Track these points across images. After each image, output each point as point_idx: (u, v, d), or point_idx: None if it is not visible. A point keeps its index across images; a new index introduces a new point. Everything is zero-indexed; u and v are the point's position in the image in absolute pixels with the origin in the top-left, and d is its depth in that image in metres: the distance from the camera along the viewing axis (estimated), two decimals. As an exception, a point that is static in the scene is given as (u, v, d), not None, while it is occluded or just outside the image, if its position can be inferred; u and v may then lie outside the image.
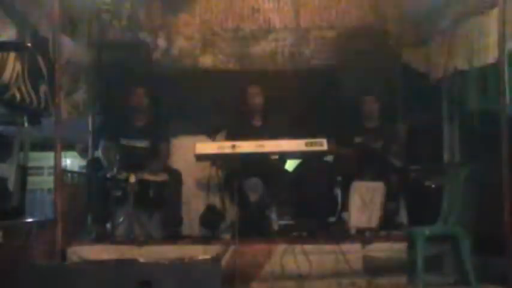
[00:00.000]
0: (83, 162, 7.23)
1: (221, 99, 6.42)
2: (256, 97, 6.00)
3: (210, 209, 5.73)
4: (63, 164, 5.06)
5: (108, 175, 5.33)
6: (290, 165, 6.09)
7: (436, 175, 5.72)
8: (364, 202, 5.70)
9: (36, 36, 4.96)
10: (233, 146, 4.92)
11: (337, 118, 6.36)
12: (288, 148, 5.13)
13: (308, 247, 4.96)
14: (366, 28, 6.51)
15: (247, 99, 6.00)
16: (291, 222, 6.04)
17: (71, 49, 5.66)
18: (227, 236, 5.26)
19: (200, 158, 5.19)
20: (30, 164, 5.85)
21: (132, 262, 4.54)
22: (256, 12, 6.60)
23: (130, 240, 5.23)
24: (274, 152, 5.31)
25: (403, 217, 5.79)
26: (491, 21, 4.83)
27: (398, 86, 6.54)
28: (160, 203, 5.55)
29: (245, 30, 6.65)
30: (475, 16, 5.13)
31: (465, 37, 5.25)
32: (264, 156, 5.30)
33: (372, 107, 6.10)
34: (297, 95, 6.47)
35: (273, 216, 5.81)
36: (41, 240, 4.84)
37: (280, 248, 4.95)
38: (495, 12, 4.71)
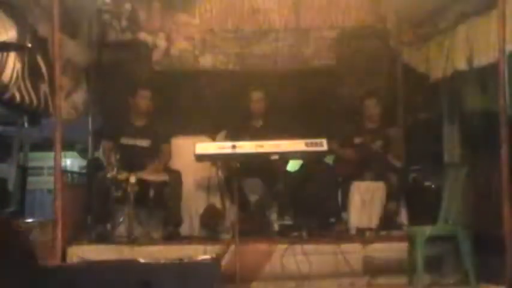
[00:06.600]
0: (83, 162, 7.24)
1: (221, 99, 6.42)
2: (259, 102, 6.00)
3: (210, 209, 5.74)
4: (63, 164, 5.06)
5: (108, 175, 5.32)
6: (290, 165, 6.08)
7: (436, 175, 5.72)
8: (364, 202, 5.71)
9: (36, 36, 4.95)
10: (233, 147, 4.91)
11: (337, 118, 6.36)
12: (288, 148, 5.12)
13: (308, 247, 4.96)
14: (366, 28, 6.51)
15: (250, 105, 6.00)
16: (291, 222, 6.03)
17: (71, 49, 5.66)
18: (227, 236, 5.26)
19: (200, 158, 5.18)
20: (30, 164, 5.87)
21: (132, 262, 4.54)
22: (256, 12, 6.60)
23: (131, 240, 5.23)
24: (274, 153, 5.29)
25: (403, 217, 5.79)
26: (491, 22, 4.82)
27: (398, 86, 6.54)
28: (160, 203, 5.55)
29: (245, 30, 6.65)
30: (475, 16, 5.13)
31: (465, 37, 5.25)
32: (264, 157, 5.30)
33: (371, 107, 6.10)
34: (297, 95, 6.47)
35: (273, 216, 5.81)
36: (41, 240, 4.83)
37: (280, 248, 4.96)
38: (495, 13, 4.70)
